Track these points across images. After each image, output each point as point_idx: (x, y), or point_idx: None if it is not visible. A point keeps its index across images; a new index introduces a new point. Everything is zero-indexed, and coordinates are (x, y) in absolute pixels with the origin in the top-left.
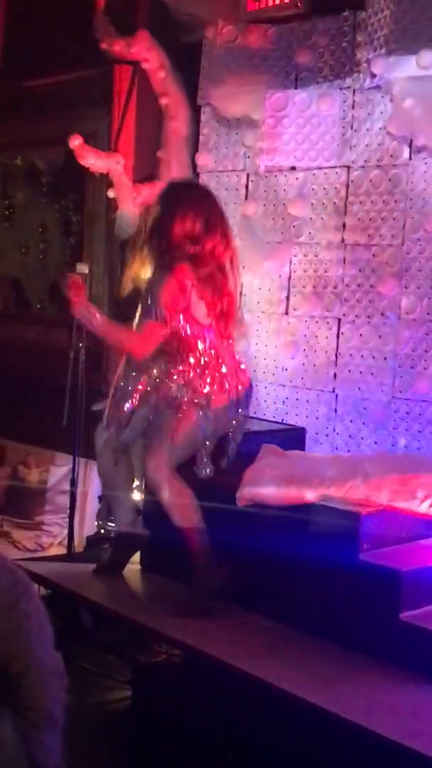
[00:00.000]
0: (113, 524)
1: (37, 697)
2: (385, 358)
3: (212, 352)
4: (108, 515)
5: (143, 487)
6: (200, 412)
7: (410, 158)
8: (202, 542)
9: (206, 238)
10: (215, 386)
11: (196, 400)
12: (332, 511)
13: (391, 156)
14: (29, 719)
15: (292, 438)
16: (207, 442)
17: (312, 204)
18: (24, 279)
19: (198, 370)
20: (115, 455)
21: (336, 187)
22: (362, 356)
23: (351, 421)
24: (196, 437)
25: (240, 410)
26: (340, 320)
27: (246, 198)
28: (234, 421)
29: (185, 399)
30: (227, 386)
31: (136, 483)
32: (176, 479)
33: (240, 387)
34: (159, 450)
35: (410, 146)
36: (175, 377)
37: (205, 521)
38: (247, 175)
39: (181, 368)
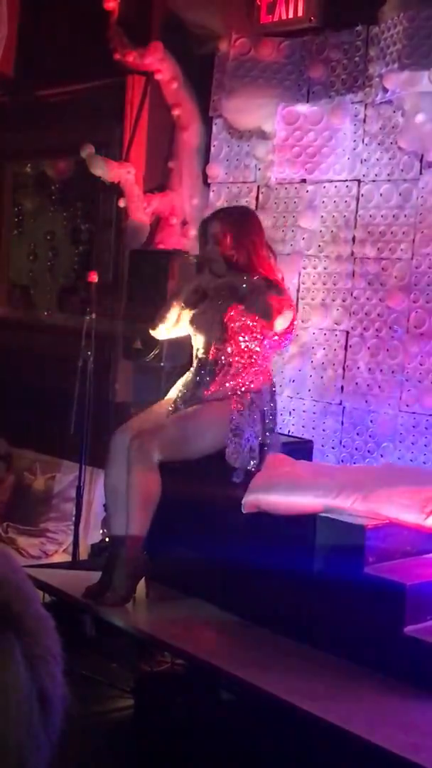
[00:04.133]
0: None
1: (38, 635)
2: (392, 372)
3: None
4: None
5: None
6: (240, 408)
7: (421, 173)
8: (141, 551)
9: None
10: (260, 385)
11: (240, 394)
12: (337, 524)
13: (402, 170)
14: (35, 653)
15: (299, 450)
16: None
17: (322, 217)
18: (32, 287)
19: (247, 365)
20: (123, 462)
21: (346, 201)
22: (370, 369)
23: (358, 434)
24: (216, 435)
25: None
26: (348, 333)
27: (256, 210)
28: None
29: (233, 392)
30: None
31: None
32: (155, 475)
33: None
34: (159, 433)
35: (421, 161)
36: (238, 369)
37: (209, 530)
38: (258, 187)
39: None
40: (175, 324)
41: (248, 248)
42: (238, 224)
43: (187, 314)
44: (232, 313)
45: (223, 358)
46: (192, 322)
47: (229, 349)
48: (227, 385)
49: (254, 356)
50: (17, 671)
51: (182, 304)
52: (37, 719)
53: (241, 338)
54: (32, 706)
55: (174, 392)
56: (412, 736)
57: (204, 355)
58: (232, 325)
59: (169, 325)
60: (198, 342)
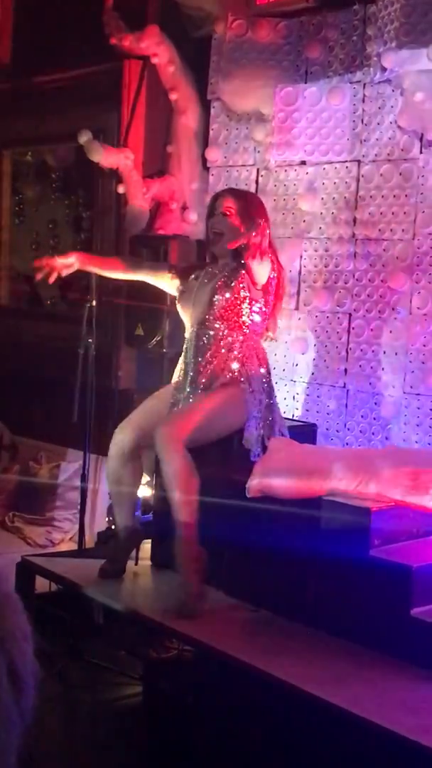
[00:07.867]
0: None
1: (3, 612)
2: (396, 354)
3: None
4: None
5: (154, 482)
6: (248, 390)
7: (421, 152)
8: (195, 538)
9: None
10: (257, 368)
11: (245, 378)
12: (343, 506)
13: (402, 150)
14: (1, 629)
15: (303, 434)
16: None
17: (322, 199)
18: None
19: (251, 348)
20: (124, 459)
21: (346, 182)
22: (373, 351)
23: (362, 416)
24: (234, 416)
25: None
26: (350, 315)
27: (256, 193)
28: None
29: (237, 375)
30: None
31: (146, 479)
32: (188, 460)
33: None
34: (181, 420)
35: (421, 140)
36: (235, 352)
37: (213, 514)
38: (257, 170)
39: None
40: (148, 273)
41: (254, 222)
42: (248, 201)
43: (174, 284)
44: (218, 287)
45: (207, 336)
46: (179, 300)
47: (216, 324)
48: (218, 366)
49: (244, 328)
50: None
51: (174, 271)
52: (7, 694)
53: (227, 314)
54: (0, 681)
55: (175, 376)
56: (420, 718)
57: (190, 335)
58: (217, 299)
59: (140, 269)
60: (186, 321)
